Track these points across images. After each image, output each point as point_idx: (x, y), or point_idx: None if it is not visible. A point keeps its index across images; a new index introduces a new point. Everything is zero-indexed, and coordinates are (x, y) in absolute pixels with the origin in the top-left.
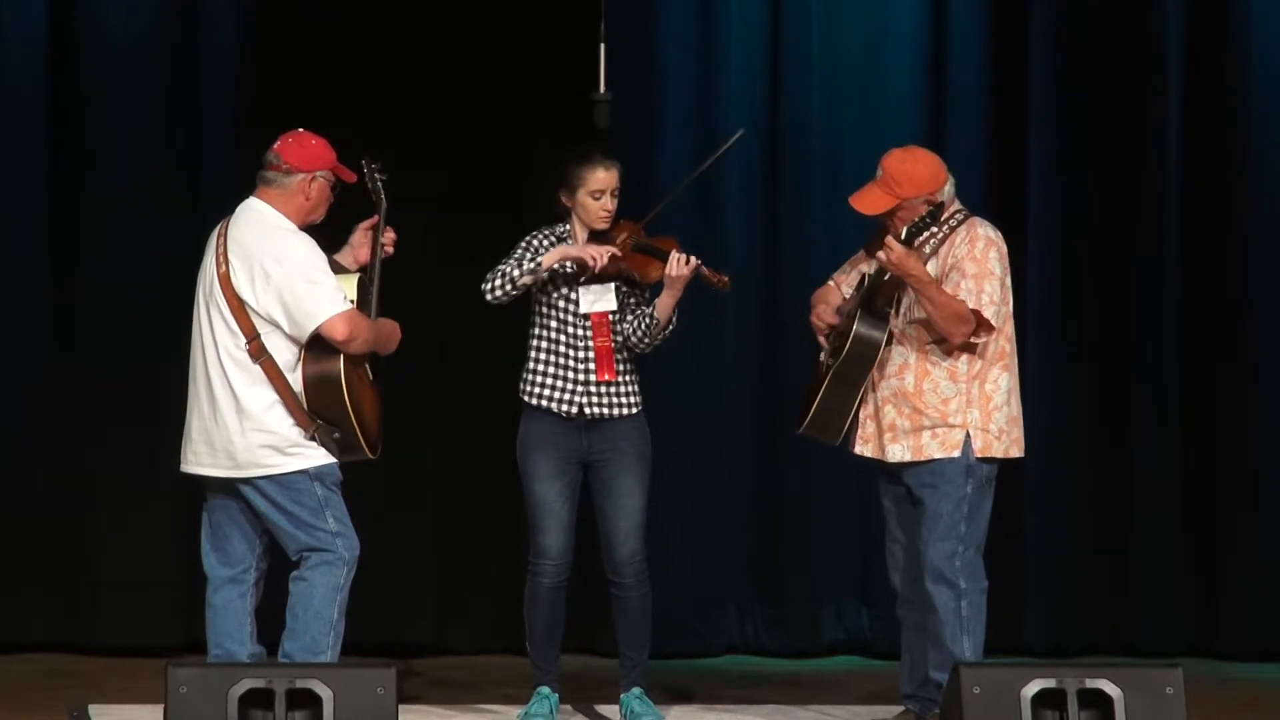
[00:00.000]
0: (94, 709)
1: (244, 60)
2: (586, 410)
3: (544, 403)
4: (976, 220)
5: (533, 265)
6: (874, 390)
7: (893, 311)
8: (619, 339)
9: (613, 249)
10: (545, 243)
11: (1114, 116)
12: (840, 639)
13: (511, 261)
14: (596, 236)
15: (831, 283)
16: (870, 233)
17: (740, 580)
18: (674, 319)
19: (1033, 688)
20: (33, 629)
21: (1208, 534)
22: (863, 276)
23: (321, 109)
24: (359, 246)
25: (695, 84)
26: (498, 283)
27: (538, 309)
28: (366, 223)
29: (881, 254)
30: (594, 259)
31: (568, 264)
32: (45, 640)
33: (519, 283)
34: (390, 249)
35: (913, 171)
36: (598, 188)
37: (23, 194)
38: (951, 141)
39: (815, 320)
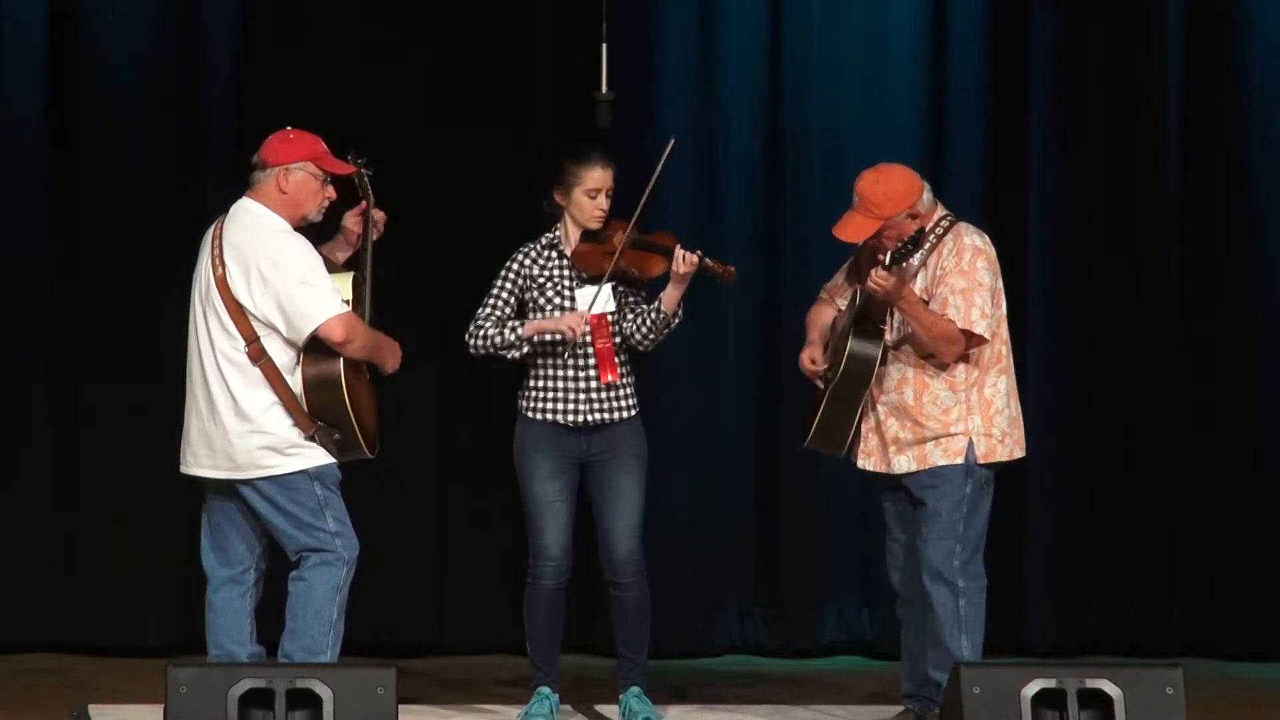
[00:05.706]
0: (94, 709)
1: (243, 60)
2: (589, 418)
3: (546, 415)
4: (962, 227)
5: (514, 338)
6: (874, 405)
7: (886, 327)
8: (618, 340)
9: (587, 314)
10: (528, 260)
11: (1114, 116)
12: (840, 639)
13: (493, 315)
14: (590, 235)
15: (824, 295)
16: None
17: (740, 580)
18: (680, 312)
19: (1033, 687)
20: (33, 629)
21: (1208, 534)
22: (854, 291)
23: (321, 109)
24: (350, 235)
25: (695, 84)
26: (481, 342)
27: (534, 318)
28: (355, 210)
29: (871, 285)
30: (571, 330)
31: (551, 334)
32: (45, 640)
33: (500, 350)
34: (380, 229)
35: (889, 190)
36: (594, 186)
37: (23, 194)
38: (951, 141)
39: (805, 365)
